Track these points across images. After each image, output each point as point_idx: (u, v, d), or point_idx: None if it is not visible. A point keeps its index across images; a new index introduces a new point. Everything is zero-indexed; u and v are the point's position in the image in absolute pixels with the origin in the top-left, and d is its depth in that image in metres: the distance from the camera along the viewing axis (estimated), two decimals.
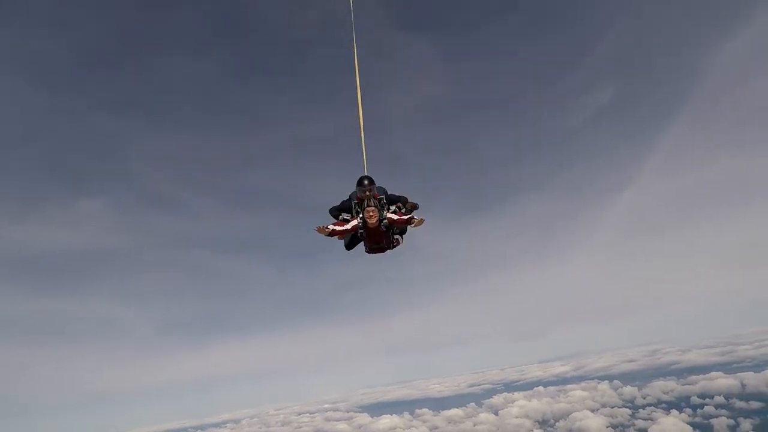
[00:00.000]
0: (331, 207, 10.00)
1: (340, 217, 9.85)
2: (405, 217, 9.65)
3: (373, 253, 9.95)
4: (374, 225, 9.42)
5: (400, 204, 9.92)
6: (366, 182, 9.60)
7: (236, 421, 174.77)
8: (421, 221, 9.54)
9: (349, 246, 10.07)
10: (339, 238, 9.78)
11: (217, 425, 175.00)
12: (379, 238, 9.65)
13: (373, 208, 9.45)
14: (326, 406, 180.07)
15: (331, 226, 9.49)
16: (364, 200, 9.59)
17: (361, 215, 9.65)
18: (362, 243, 9.96)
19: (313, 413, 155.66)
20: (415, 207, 9.97)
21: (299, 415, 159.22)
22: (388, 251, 10.01)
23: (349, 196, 9.89)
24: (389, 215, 9.63)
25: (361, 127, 9.80)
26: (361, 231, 9.47)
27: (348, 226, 9.52)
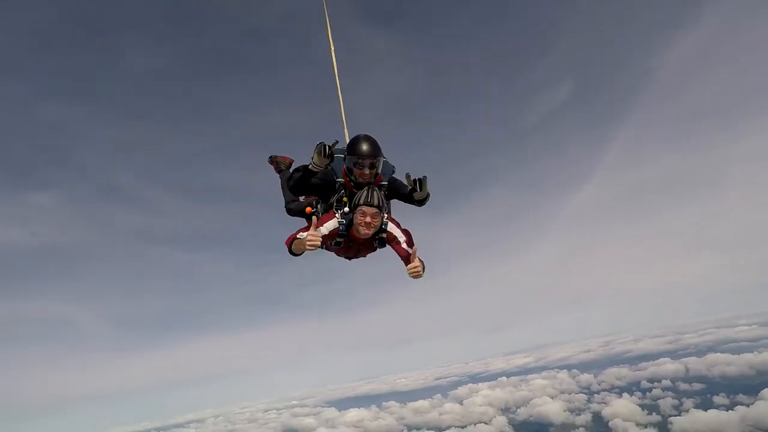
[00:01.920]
0: (288, 198, 5.93)
1: (309, 208, 5.98)
2: (410, 250, 5.88)
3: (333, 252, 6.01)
4: (366, 237, 5.82)
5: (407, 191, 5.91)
6: (366, 147, 5.73)
7: (201, 421, 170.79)
8: (420, 272, 5.85)
9: (297, 212, 5.96)
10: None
11: (181, 426, 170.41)
12: (363, 253, 5.88)
13: (374, 210, 5.77)
14: (293, 402, 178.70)
15: (304, 235, 5.85)
16: (360, 184, 5.79)
17: (347, 212, 5.83)
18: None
19: (280, 410, 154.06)
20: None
21: (265, 412, 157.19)
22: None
23: (330, 168, 5.86)
24: (392, 230, 5.85)
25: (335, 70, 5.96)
26: (340, 239, 5.83)
27: (323, 230, 5.85)
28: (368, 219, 5.74)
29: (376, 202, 5.71)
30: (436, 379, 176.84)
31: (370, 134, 5.82)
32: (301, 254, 5.82)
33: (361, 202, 5.74)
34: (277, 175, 6.03)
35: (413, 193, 5.86)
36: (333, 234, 5.80)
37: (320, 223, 5.90)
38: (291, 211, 5.93)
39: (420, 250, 5.74)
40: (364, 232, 5.76)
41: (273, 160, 6.05)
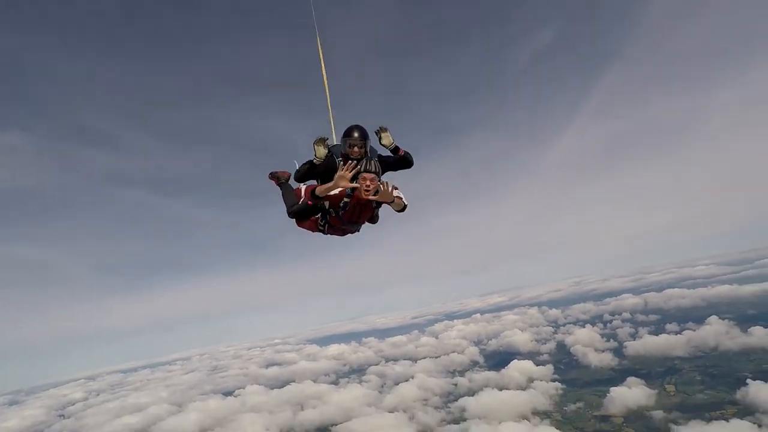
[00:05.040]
0: (290, 203, 7.30)
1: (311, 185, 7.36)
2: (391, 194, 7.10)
3: (333, 232, 7.38)
4: (366, 198, 7.13)
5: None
6: (357, 133, 7.20)
7: (186, 359, 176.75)
8: (401, 205, 7.08)
9: (299, 213, 7.21)
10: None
11: (168, 363, 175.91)
12: (364, 216, 7.27)
13: (372, 175, 7.15)
14: (276, 341, 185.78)
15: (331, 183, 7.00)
16: (356, 160, 7.10)
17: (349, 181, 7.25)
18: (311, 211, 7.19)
19: (263, 348, 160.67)
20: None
21: (249, 350, 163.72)
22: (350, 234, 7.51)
23: (330, 152, 7.29)
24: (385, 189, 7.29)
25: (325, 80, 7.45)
26: (345, 203, 7.11)
27: (335, 189, 7.11)
28: (368, 183, 7.01)
29: (373, 169, 7.04)
30: (414, 318, 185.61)
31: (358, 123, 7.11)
32: (323, 200, 6.99)
33: (362, 170, 7.07)
34: (278, 188, 7.56)
35: (395, 154, 7.23)
36: (341, 194, 7.04)
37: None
38: (294, 213, 7.14)
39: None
40: (366, 194, 7.02)
41: (273, 176, 7.79)
